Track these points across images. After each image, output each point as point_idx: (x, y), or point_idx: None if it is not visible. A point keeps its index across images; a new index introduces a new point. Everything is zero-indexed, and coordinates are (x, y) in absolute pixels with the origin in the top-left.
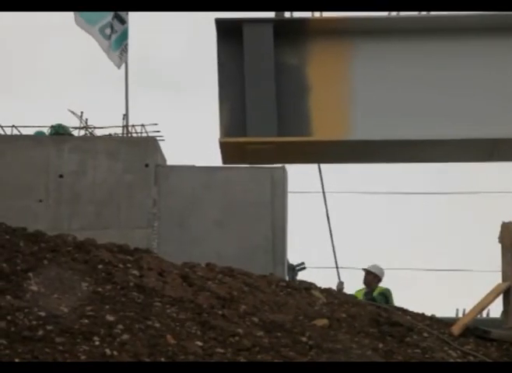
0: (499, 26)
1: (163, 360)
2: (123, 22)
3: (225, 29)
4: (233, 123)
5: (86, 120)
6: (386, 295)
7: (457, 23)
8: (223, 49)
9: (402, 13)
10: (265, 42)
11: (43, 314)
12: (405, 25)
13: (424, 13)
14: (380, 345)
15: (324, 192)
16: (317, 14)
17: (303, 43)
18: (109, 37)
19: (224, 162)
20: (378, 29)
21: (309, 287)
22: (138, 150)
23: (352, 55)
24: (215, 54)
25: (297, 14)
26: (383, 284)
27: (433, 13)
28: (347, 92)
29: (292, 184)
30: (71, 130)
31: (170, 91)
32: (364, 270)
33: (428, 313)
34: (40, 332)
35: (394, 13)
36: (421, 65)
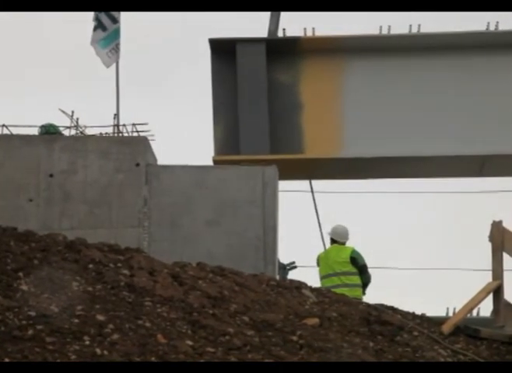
0: (489, 44)
1: (153, 359)
2: (114, 21)
3: (219, 49)
4: (227, 140)
5: (77, 119)
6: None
7: (448, 42)
8: (217, 68)
9: (393, 32)
10: (258, 61)
11: (33, 313)
12: (395, 43)
13: (415, 31)
14: (371, 344)
15: (312, 191)
16: (309, 32)
17: (295, 62)
18: (94, 29)
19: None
20: (369, 47)
21: (299, 286)
22: (129, 149)
23: (343, 73)
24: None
25: (290, 33)
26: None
27: (423, 31)
28: (339, 109)
29: (283, 183)
30: (61, 129)
31: (162, 89)
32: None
33: (418, 312)
34: (30, 332)
35: (385, 32)
36: (412, 83)
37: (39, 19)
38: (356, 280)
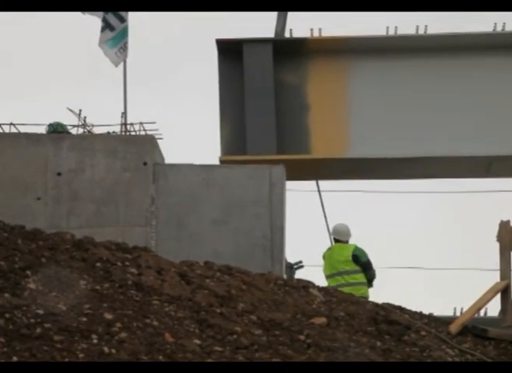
0: (497, 44)
1: (161, 358)
2: (122, 20)
3: (225, 49)
4: (234, 140)
5: (85, 118)
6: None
7: (456, 42)
8: (224, 68)
9: (400, 32)
10: (265, 61)
11: (41, 312)
12: (402, 44)
13: (422, 32)
14: (378, 343)
15: (319, 191)
16: (316, 33)
17: (302, 63)
18: (102, 30)
19: None
20: (376, 48)
21: (307, 285)
22: (136, 148)
23: (350, 74)
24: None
25: (296, 34)
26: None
27: (430, 32)
28: (345, 110)
29: (290, 183)
30: (69, 128)
31: (168, 88)
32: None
33: (426, 312)
34: (38, 330)
35: (391, 32)
36: (418, 84)
37: (45, 18)
38: (360, 278)
